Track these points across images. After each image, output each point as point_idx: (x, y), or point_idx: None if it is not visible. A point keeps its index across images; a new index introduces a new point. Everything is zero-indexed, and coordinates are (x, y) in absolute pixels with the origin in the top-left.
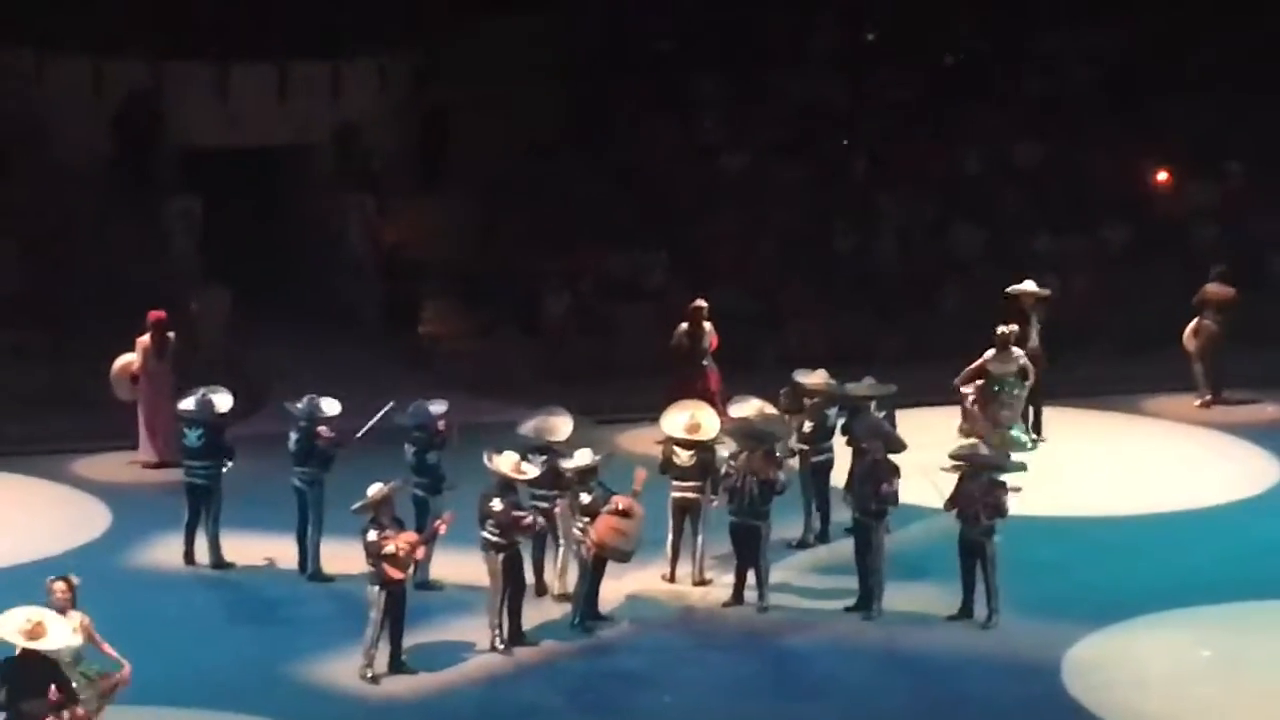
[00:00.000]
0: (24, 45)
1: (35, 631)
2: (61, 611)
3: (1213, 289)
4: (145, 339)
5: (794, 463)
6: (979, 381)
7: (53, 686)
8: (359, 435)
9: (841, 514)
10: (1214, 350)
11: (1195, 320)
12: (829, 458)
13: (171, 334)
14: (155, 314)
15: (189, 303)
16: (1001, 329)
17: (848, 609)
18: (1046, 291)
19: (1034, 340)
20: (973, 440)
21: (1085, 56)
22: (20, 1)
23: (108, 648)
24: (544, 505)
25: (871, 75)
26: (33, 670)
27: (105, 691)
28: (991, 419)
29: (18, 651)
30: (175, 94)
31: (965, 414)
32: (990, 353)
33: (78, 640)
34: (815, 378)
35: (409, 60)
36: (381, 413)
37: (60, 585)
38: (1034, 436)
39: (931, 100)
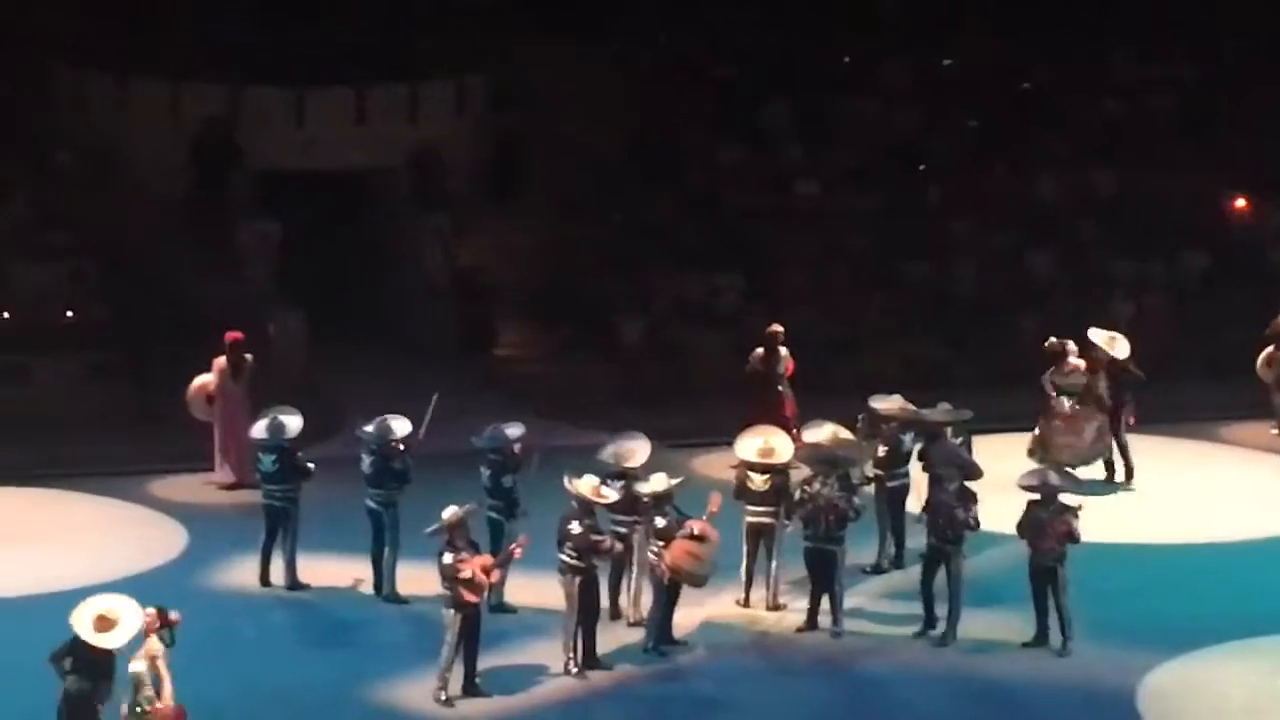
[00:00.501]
0: (106, 71)
1: (101, 626)
2: (145, 635)
3: None
4: (222, 360)
5: (870, 488)
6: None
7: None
8: (420, 434)
9: (917, 539)
10: None
11: (1269, 350)
12: (905, 483)
13: (249, 356)
14: (232, 335)
15: (266, 325)
16: (1051, 340)
17: (915, 634)
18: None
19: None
20: (1043, 465)
21: (1160, 84)
22: (102, 28)
23: (168, 685)
24: (621, 530)
25: (944, 102)
26: (94, 655)
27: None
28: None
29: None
30: (253, 118)
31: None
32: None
33: (140, 665)
34: (890, 403)
35: (484, 83)
36: (431, 406)
37: (150, 611)
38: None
39: (1005, 127)
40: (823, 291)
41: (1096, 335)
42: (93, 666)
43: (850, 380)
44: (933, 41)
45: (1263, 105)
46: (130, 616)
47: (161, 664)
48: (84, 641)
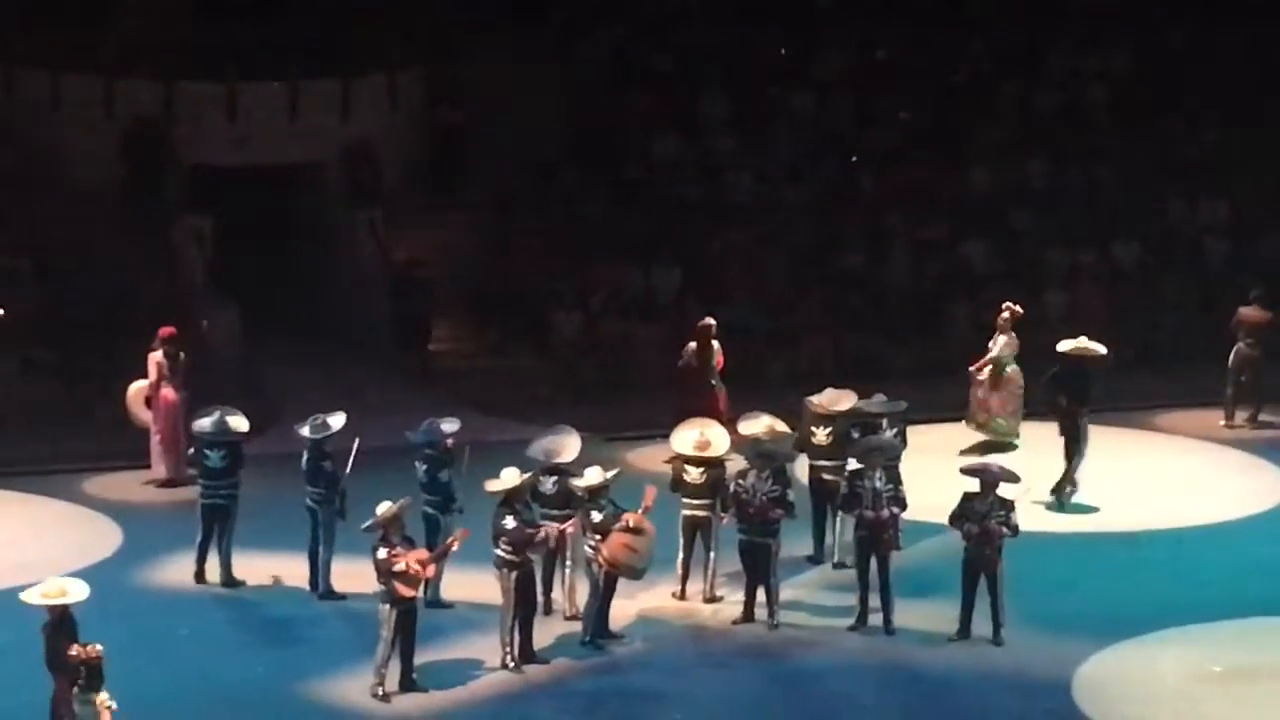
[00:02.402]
0: (39, 67)
1: (54, 594)
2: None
3: (1247, 312)
4: (158, 355)
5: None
6: (988, 368)
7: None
8: (345, 473)
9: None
10: (1252, 372)
11: (1237, 345)
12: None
13: (182, 353)
14: (165, 330)
15: (199, 321)
16: (1003, 313)
17: (850, 627)
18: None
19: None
20: (984, 460)
21: (1094, 74)
22: (34, 25)
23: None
24: (556, 523)
25: (878, 94)
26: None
27: None
28: (1000, 404)
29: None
30: (186, 114)
31: (973, 403)
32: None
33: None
34: (825, 398)
35: (418, 78)
36: (354, 450)
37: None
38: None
39: (939, 118)
40: (758, 284)
41: (1067, 346)
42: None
43: (786, 373)
44: (866, 33)
45: (1195, 93)
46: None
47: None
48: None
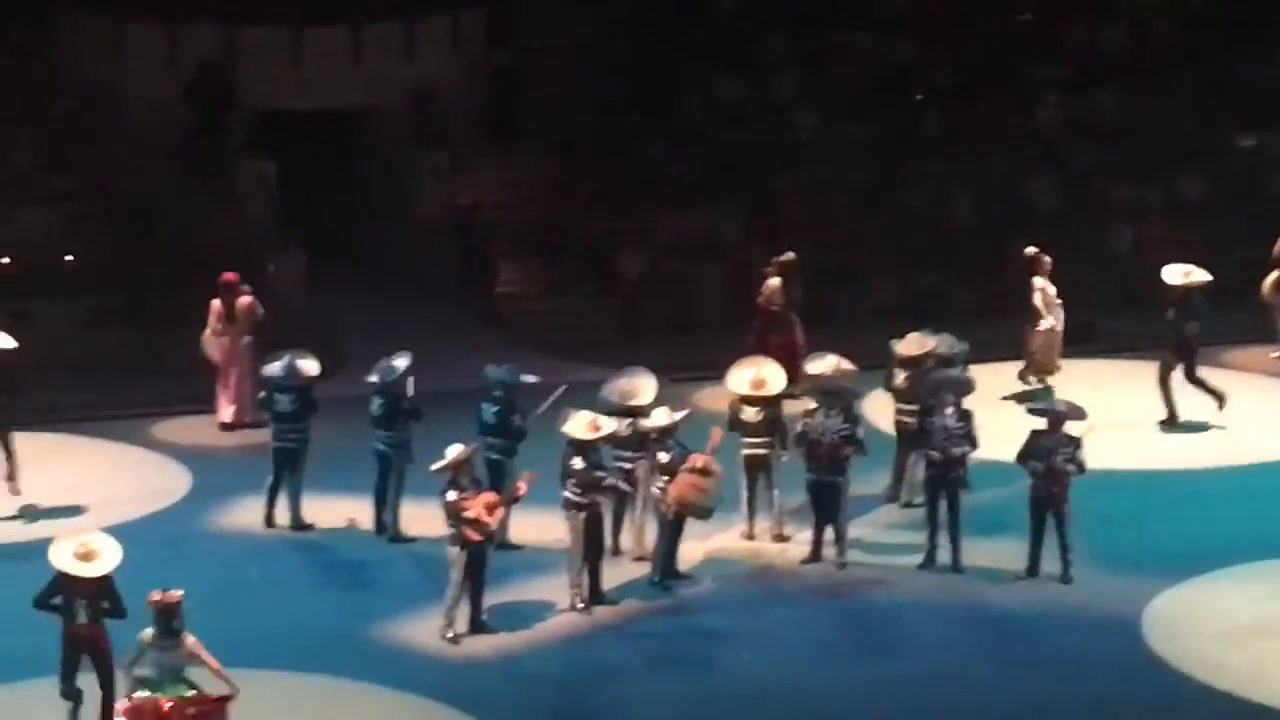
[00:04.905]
0: (101, 13)
1: (86, 555)
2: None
3: None
4: (217, 303)
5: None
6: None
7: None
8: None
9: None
10: None
11: (1275, 274)
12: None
13: (251, 297)
14: (226, 276)
15: (265, 265)
16: (1030, 249)
17: (920, 565)
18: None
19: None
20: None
21: (1161, 8)
22: None
23: (215, 665)
24: (627, 465)
25: (941, 32)
26: (82, 587)
27: (205, 707)
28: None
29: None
30: (249, 59)
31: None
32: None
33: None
34: (908, 343)
35: (480, 20)
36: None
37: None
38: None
39: (1003, 56)
40: (822, 223)
41: (1173, 273)
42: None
43: (851, 311)
44: None
45: (1266, 31)
46: (108, 547)
47: (201, 651)
48: (70, 577)
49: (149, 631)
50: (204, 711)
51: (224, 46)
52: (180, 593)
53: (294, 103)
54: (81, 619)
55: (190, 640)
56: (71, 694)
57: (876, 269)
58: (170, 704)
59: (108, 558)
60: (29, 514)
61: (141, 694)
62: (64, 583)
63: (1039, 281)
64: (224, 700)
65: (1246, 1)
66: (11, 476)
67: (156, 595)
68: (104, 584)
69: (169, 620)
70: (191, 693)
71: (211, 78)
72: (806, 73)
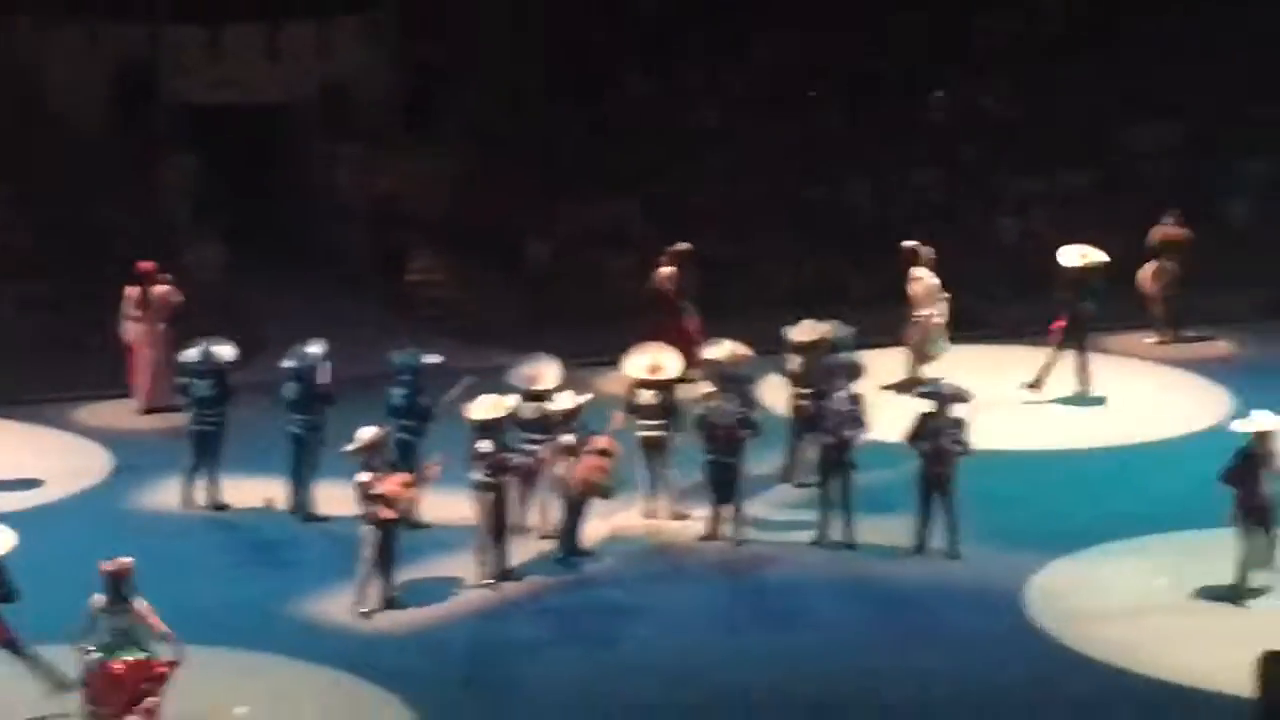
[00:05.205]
0: (26, 11)
1: None
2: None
3: (1168, 231)
4: (134, 290)
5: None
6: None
7: None
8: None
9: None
10: (1171, 290)
11: (1153, 263)
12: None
13: (168, 285)
14: (143, 265)
15: (183, 254)
16: (908, 243)
17: (812, 542)
18: (1099, 259)
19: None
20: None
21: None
22: None
23: (162, 628)
24: (533, 447)
25: (838, 30)
26: None
27: (153, 678)
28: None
29: None
30: (170, 55)
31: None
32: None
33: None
34: (800, 330)
35: (394, 15)
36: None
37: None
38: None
39: (897, 52)
40: (725, 213)
41: (1069, 255)
42: None
43: (748, 298)
44: None
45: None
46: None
47: (150, 615)
48: None
49: (99, 597)
50: (156, 674)
51: (146, 44)
52: (130, 560)
53: (214, 98)
54: None
55: (140, 605)
56: None
57: (774, 258)
58: (121, 666)
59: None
60: None
61: (95, 657)
62: None
63: (917, 272)
64: (173, 665)
65: None
66: None
67: (108, 564)
68: None
69: (119, 586)
70: (143, 655)
71: (134, 74)
72: (714, 68)
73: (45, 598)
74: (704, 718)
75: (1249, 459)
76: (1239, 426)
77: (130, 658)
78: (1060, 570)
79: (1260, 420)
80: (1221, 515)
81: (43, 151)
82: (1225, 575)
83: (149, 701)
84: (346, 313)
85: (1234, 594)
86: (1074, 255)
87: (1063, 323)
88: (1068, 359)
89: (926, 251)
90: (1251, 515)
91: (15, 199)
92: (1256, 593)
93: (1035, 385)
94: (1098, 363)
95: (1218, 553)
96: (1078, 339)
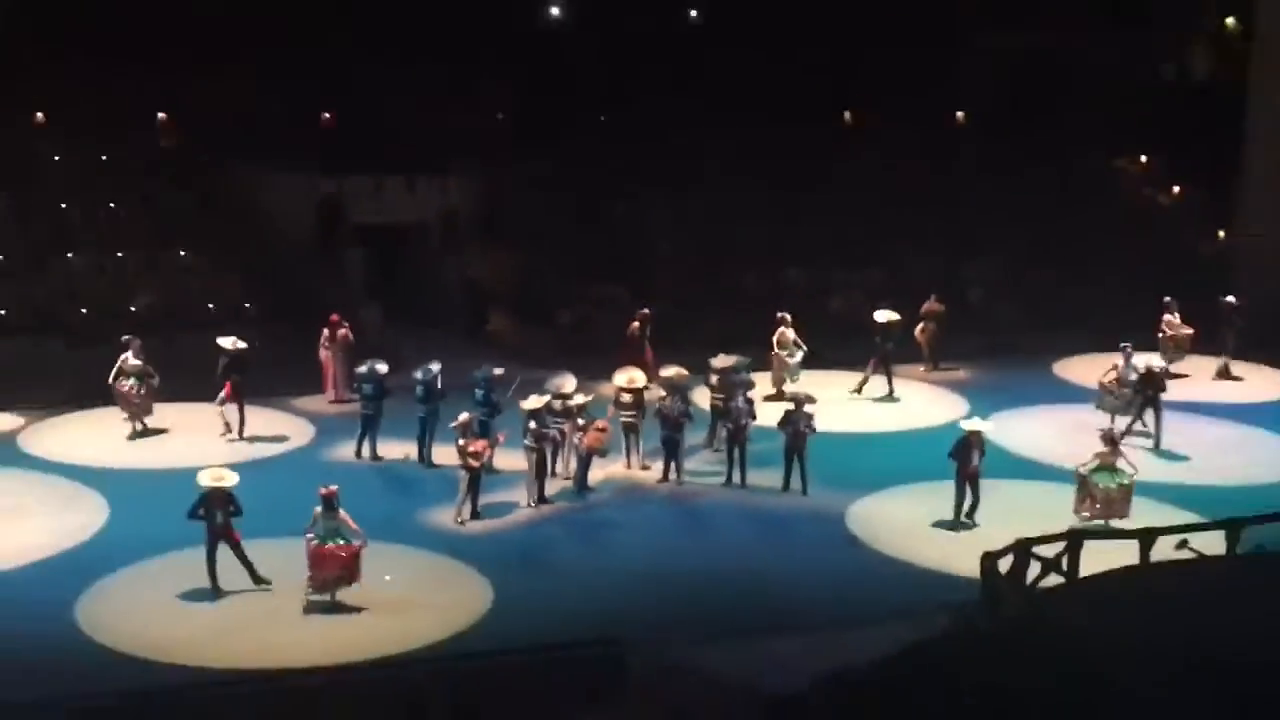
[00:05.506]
0: (271, 168)
1: (219, 477)
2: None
3: (931, 305)
4: (326, 331)
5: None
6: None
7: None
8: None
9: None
10: (933, 341)
11: (922, 324)
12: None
13: (345, 331)
14: (332, 317)
15: (358, 312)
16: (780, 314)
17: (722, 485)
18: (895, 318)
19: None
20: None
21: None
22: (247, 134)
23: (354, 526)
24: (561, 425)
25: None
26: (218, 498)
27: (341, 564)
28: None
29: (208, 489)
30: (351, 193)
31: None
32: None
33: (233, 479)
34: (716, 359)
35: (480, 174)
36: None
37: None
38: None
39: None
40: (674, 286)
41: (881, 314)
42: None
43: (688, 339)
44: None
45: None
46: (231, 474)
47: (346, 516)
48: (213, 490)
49: (318, 509)
50: (350, 552)
51: (336, 187)
52: (336, 487)
53: (375, 219)
54: (219, 520)
55: (343, 513)
56: (212, 570)
57: (703, 318)
58: (332, 548)
59: (230, 479)
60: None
61: (316, 542)
62: (208, 499)
63: (784, 330)
64: (360, 547)
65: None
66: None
67: (323, 489)
68: (230, 496)
69: (330, 501)
70: (343, 542)
71: (329, 204)
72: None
73: (279, 511)
74: (657, 581)
75: (965, 444)
76: (963, 424)
77: (336, 543)
78: (868, 502)
79: (972, 422)
80: (952, 476)
81: (271, 251)
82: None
83: (345, 570)
84: (451, 346)
85: (954, 524)
86: (883, 315)
87: (875, 359)
88: (878, 377)
89: (788, 317)
90: (966, 478)
91: (255, 279)
92: (967, 525)
93: (857, 390)
94: (891, 378)
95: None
96: (885, 365)
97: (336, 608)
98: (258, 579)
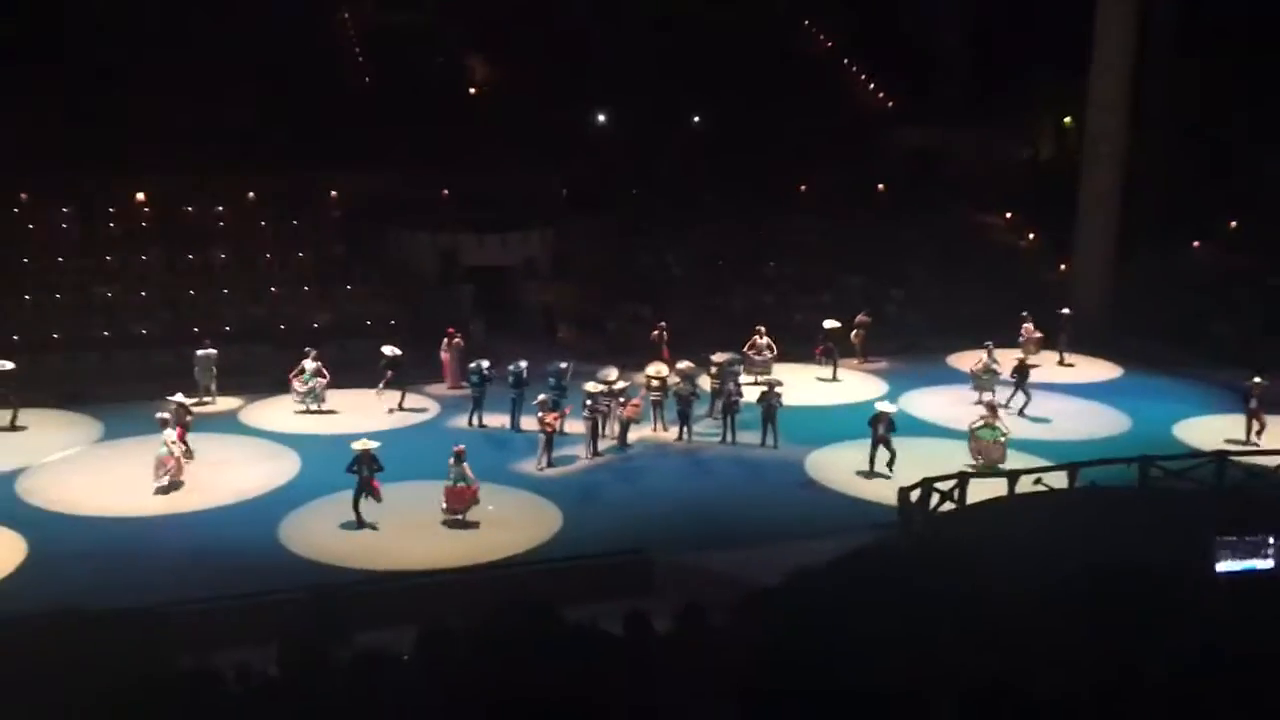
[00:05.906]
0: (402, 226)
1: (366, 445)
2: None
3: (862, 317)
4: (446, 340)
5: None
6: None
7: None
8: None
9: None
10: (863, 342)
11: (855, 330)
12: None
13: (459, 339)
14: (449, 329)
15: (469, 325)
16: (758, 326)
17: (719, 442)
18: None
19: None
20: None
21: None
22: (393, 205)
23: (469, 474)
24: (608, 402)
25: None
26: (366, 458)
27: (466, 497)
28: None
29: (359, 451)
30: (463, 245)
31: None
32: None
33: (374, 445)
34: (716, 355)
35: (551, 231)
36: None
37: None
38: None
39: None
40: (682, 304)
41: (828, 322)
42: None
43: (696, 342)
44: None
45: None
46: (373, 443)
47: (465, 465)
48: (363, 452)
49: (451, 460)
50: (470, 491)
51: (451, 240)
52: (464, 446)
53: (479, 262)
54: (366, 473)
55: (465, 464)
56: (358, 509)
57: (703, 325)
58: (461, 487)
59: (372, 445)
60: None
61: (448, 483)
62: (360, 458)
63: (760, 337)
64: (476, 488)
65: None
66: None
67: (456, 447)
68: (373, 456)
69: (459, 456)
70: (466, 483)
71: (449, 252)
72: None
73: (413, 462)
74: (675, 509)
75: (872, 422)
76: (877, 405)
77: (462, 484)
78: (819, 454)
79: (883, 404)
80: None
81: (409, 285)
82: (881, 461)
83: (467, 502)
84: (531, 349)
85: (869, 473)
86: (829, 323)
87: (820, 349)
88: (826, 368)
89: (762, 329)
90: (877, 440)
91: (399, 305)
92: (883, 475)
93: (832, 379)
94: (836, 368)
95: (882, 454)
96: (831, 359)
97: (462, 524)
98: (361, 522)
